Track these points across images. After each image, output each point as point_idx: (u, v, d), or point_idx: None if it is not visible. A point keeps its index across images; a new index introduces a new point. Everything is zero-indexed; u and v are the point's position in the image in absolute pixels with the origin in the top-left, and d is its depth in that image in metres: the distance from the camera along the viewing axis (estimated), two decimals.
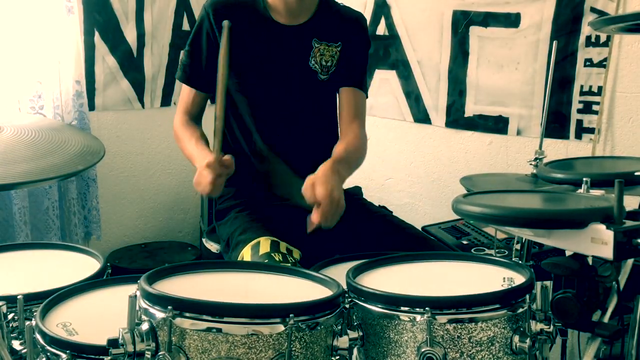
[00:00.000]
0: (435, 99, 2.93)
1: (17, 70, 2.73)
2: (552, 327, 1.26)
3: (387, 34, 3.04)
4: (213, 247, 2.00)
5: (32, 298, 1.46)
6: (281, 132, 1.87)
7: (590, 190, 1.43)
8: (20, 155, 1.50)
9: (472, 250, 2.23)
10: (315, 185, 1.54)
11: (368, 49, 1.98)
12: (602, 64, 2.47)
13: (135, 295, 1.16)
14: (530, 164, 2.12)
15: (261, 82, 1.84)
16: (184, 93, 1.92)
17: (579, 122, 2.55)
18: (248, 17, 1.82)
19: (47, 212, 2.83)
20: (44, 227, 2.84)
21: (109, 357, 1.13)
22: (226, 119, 1.87)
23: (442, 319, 1.18)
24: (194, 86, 1.89)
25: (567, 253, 1.49)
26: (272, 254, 1.58)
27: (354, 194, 2.01)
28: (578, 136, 2.56)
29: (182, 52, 1.92)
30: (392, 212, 2.01)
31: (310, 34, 1.84)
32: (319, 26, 1.86)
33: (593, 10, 2.47)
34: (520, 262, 1.54)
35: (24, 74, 2.75)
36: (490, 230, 2.38)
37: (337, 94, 1.95)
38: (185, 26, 3.35)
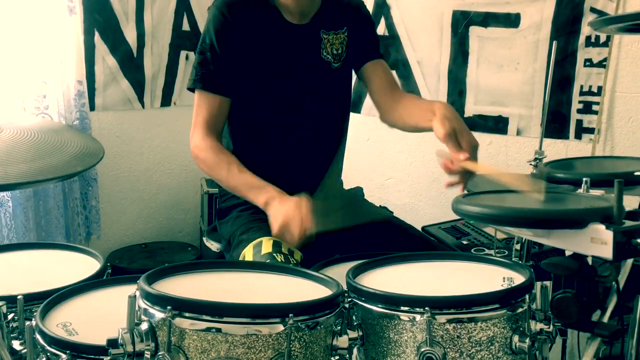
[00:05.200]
0: (435, 99, 2.93)
1: (21, 71, 2.73)
2: (551, 327, 1.26)
3: (387, 34, 3.04)
4: (213, 246, 2.00)
5: (32, 298, 1.46)
6: (297, 123, 1.85)
7: (590, 190, 1.43)
8: (19, 156, 1.50)
9: (472, 250, 2.23)
10: (462, 132, 1.63)
11: (374, 26, 2.01)
12: (602, 64, 2.47)
13: (135, 295, 1.16)
14: (530, 164, 2.12)
15: (275, 79, 1.82)
16: (203, 103, 1.77)
17: (579, 122, 2.55)
18: (262, 16, 1.80)
19: (53, 212, 2.85)
20: (49, 227, 2.85)
21: (109, 357, 1.13)
22: (237, 120, 1.86)
23: (441, 318, 1.18)
24: (218, 91, 1.76)
25: (567, 253, 1.49)
26: (275, 254, 1.58)
27: (355, 195, 2.01)
28: (578, 136, 2.56)
29: (195, 58, 1.80)
30: (392, 213, 2.00)
31: (317, 28, 1.85)
32: (325, 18, 1.87)
33: (593, 10, 2.46)
34: (520, 262, 1.54)
35: (28, 74, 2.75)
36: (490, 230, 2.38)
37: (361, 73, 1.95)
38: (185, 26, 3.35)
